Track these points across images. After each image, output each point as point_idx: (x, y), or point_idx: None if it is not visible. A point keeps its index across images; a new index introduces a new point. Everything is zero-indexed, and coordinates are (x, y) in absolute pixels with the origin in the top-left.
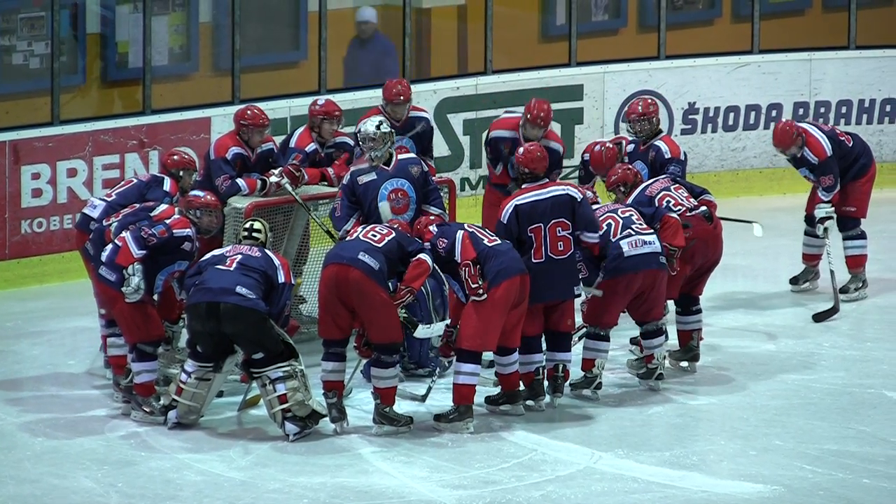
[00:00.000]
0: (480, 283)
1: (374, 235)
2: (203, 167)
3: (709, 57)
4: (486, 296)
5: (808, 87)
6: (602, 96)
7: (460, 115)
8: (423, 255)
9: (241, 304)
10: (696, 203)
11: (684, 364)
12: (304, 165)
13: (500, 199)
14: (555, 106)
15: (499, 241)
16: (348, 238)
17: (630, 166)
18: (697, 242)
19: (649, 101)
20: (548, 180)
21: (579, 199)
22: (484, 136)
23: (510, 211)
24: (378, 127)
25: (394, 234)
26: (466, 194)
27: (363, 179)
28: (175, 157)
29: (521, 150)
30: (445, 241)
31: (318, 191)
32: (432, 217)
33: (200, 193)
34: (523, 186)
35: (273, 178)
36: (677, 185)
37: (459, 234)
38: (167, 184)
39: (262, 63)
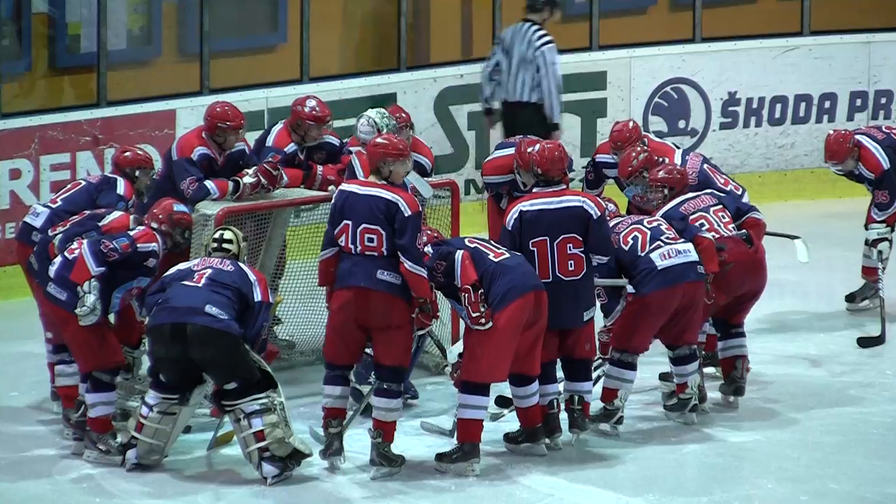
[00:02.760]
0: (482, 310)
1: (371, 243)
2: (163, 167)
3: (752, 39)
4: (490, 324)
5: (867, 73)
6: (628, 85)
7: (464, 108)
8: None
9: (211, 325)
10: (734, 230)
11: (732, 399)
12: (282, 167)
13: (511, 202)
14: (574, 96)
15: (507, 255)
16: (342, 247)
17: (680, 168)
18: (735, 267)
19: (627, 133)
20: (564, 187)
21: (595, 217)
22: (492, 133)
23: (515, 216)
24: (385, 117)
25: (383, 233)
26: (471, 198)
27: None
28: (128, 154)
29: (537, 146)
30: (443, 263)
31: (301, 194)
32: (426, 237)
33: (184, 208)
34: (534, 191)
35: (247, 179)
36: (720, 207)
37: (459, 254)
38: (120, 186)
39: (235, 47)
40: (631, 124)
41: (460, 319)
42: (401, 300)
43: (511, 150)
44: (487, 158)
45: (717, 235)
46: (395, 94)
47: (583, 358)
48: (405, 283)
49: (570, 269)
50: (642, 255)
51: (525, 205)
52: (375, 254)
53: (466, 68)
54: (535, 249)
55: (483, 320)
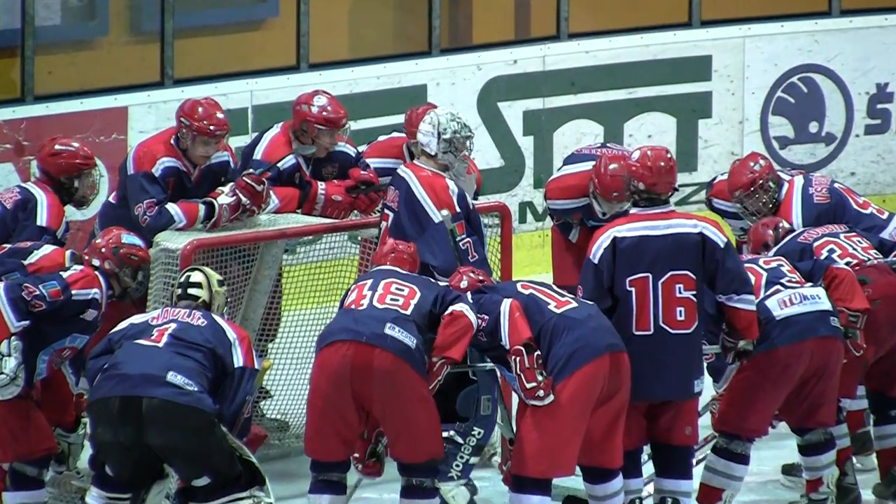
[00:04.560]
0: (540, 379)
1: (396, 299)
2: (116, 184)
3: None
4: (551, 397)
5: None
6: (741, 74)
7: (518, 105)
8: (459, 305)
9: (175, 399)
10: (876, 256)
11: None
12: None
13: (585, 234)
14: (666, 90)
15: (574, 304)
16: (350, 303)
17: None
18: (884, 306)
19: (752, 163)
20: (672, 208)
21: (722, 245)
22: (554, 138)
23: (605, 244)
24: (454, 120)
25: (418, 292)
26: (528, 228)
27: (470, 202)
28: (61, 153)
29: (636, 153)
30: (486, 316)
31: (298, 222)
32: (467, 280)
33: (137, 241)
34: (632, 212)
35: (224, 200)
36: (851, 233)
37: (506, 305)
38: (42, 211)
39: (208, 22)
40: (757, 166)
41: (512, 393)
42: (413, 371)
43: (586, 166)
44: (554, 176)
45: (855, 262)
46: (424, 86)
47: (682, 445)
48: (420, 349)
49: (679, 318)
50: (755, 301)
51: (621, 230)
52: (397, 308)
53: (522, 51)
54: (632, 290)
55: (541, 393)
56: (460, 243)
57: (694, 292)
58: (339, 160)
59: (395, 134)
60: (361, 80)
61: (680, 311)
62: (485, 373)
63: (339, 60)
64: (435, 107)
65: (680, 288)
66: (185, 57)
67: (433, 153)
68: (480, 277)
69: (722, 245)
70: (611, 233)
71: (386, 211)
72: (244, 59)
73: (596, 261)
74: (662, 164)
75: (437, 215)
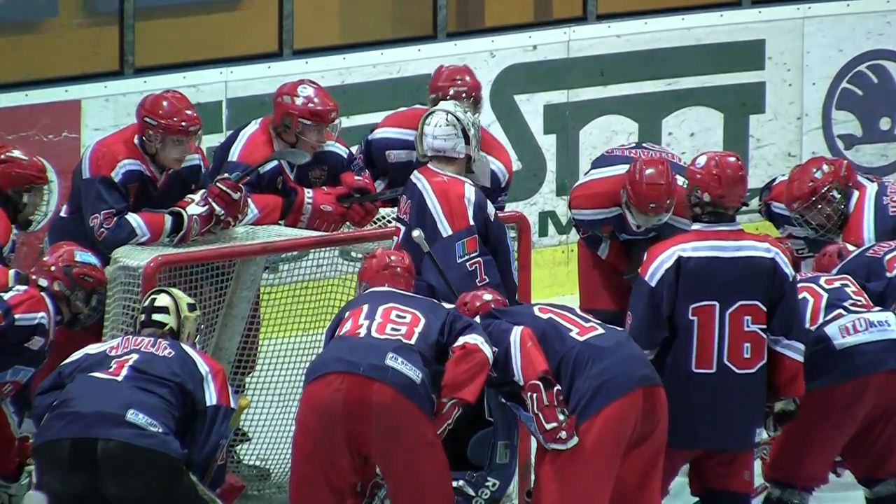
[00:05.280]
0: (562, 419)
1: (397, 327)
2: (68, 191)
3: None
4: (574, 440)
5: None
6: (799, 63)
7: (539, 98)
8: (472, 336)
9: (136, 442)
10: None
11: None
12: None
13: (616, 250)
14: (715, 80)
15: (601, 330)
16: (344, 333)
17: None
18: None
19: (814, 169)
20: (741, 227)
21: (790, 278)
22: (581, 136)
23: (668, 264)
24: (470, 113)
25: (422, 318)
26: (550, 242)
27: (490, 212)
28: (12, 162)
29: (702, 159)
30: (495, 348)
31: (280, 235)
32: (478, 303)
33: (92, 260)
34: (695, 228)
35: (194, 210)
36: None
37: (515, 333)
38: None
39: (175, 2)
40: (819, 173)
41: (530, 436)
42: (417, 410)
43: (618, 170)
44: (580, 181)
45: None
46: (428, 76)
47: (738, 493)
48: (425, 385)
49: (746, 356)
50: (813, 328)
51: (686, 248)
52: (399, 337)
53: (543, 35)
54: (694, 319)
55: (563, 435)
56: (467, 263)
57: (763, 326)
58: (328, 163)
59: (417, 106)
60: (355, 69)
61: (746, 347)
62: (502, 414)
63: (328, 46)
64: (461, 69)
65: (748, 320)
66: (148, 42)
67: (461, 155)
68: (490, 299)
69: (790, 278)
70: (675, 251)
71: (398, 224)
72: (218, 45)
73: (654, 283)
74: (732, 172)
75: (446, 229)
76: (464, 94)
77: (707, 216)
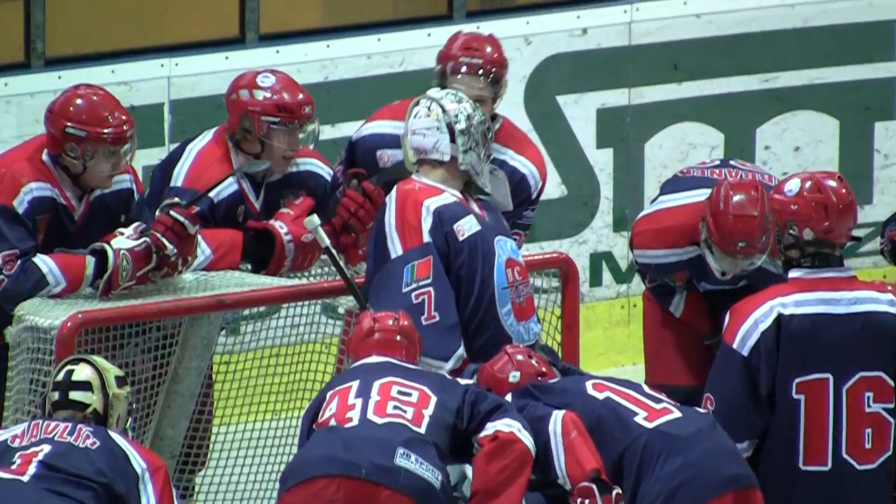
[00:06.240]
0: None
1: (402, 408)
2: None
3: None
4: None
5: None
6: None
7: (590, 99)
8: (505, 422)
9: None
10: None
11: None
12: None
13: (694, 305)
14: (829, 75)
15: (676, 413)
16: (329, 418)
17: None
18: None
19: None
20: (853, 273)
21: None
22: (646, 151)
23: (765, 325)
24: (470, 104)
25: (433, 396)
26: (605, 293)
27: (464, 229)
28: None
29: (793, 183)
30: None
31: (242, 284)
32: (518, 371)
33: None
34: (794, 276)
35: (123, 242)
36: None
37: (556, 419)
38: None
39: None
40: None
41: None
42: None
43: (696, 197)
44: (645, 211)
45: None
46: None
47: None
48: (445, 488)
49: (867, 445)
50: None
51: (787, 303)
52: (406, 423)
53: (595, 14)
54: (800, 398)
55: None
56: (413, 294)
57: (889, 405)
58: (305, 185)
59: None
60: (343, 60)
61: (868, 435)
62: None
63: (307, 30)
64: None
65: (870, 398)
66: (63, 24)
67: (444, 157)
68: (523, 360)
69: None
70: (772, 307)
71: None
72: (157, 28)
73: (746, 352)
74: (838, 198)
75: (396, 248)
76: (480, 70)
77: (808, 259)
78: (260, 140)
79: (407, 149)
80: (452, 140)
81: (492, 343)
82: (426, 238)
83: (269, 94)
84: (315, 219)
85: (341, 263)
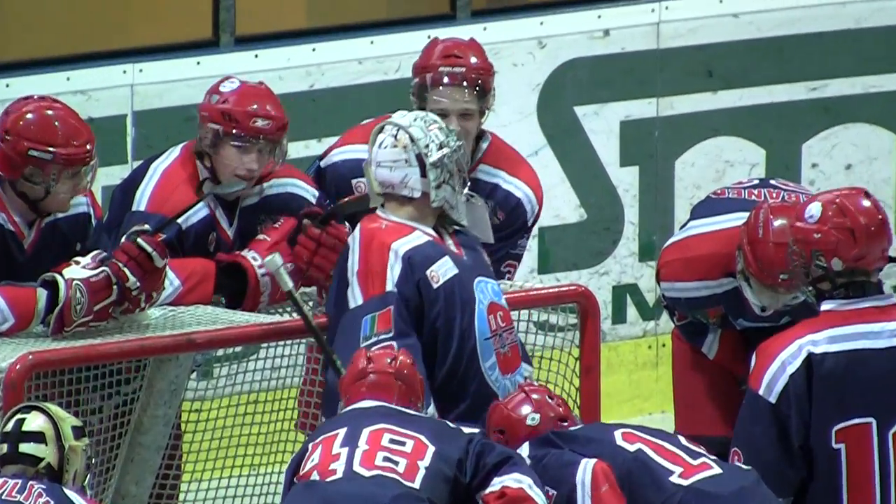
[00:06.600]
0: None
1: (393, 460)
2: None
3: None
4: None
5: None
6: None
7: (613, 110)
8: (513, 477)
9: None
10: None
11: None
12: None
13: (730, 345)
14: (884, 83)
15: (715, 468)
16: (311, 470)
17: None
18: None
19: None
20: (894, 299)
21: None
22: (677, 169)
23: (794, 367)
24: (443, 130)
25: (429, 446)
26: (630, 331)
27: (439, 274)
28: None
29: (815, 207)
30: (552, 491)
31: (214, 321)
32: (537, 415)
33: None
34: (825, 309)
35: (76, 271)
36: None
37: (585, 469)
38: None
39: None
40: None
41: None
42: None
43: (732, 222)
44: (674, 238)
45: None
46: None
47: None
48: None
49: None
50: None
51: (818, 340)
52: (395, 477)
53: (618, 14)
54: (840, 448)
55: None
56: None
57: None
58: (287, 210)
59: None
60: (330, 66)
61: None
62: None
63: (290, 31)
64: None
65: None
66: (11, 27)
67: (416, 194)
68: (558, 407)
69: None
70: (801, 346)
71: None
72: (119, 30)
73: (773, 398)
74: (867, 220)
75: (356, 296)
76: (464, 80)
77: (840, 290)
78: (207, 152)
79: (371, 179)
80: (423, 174)
81: (476, 403)
82: (389, 286)
83: (220, 99)
84: (277, 259)
85: (305, 310)
